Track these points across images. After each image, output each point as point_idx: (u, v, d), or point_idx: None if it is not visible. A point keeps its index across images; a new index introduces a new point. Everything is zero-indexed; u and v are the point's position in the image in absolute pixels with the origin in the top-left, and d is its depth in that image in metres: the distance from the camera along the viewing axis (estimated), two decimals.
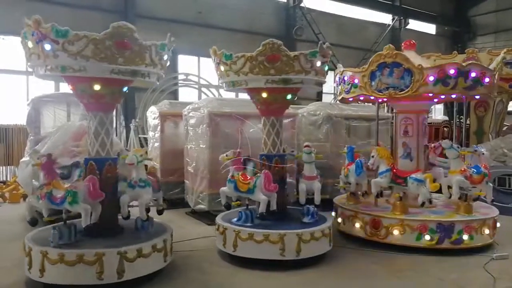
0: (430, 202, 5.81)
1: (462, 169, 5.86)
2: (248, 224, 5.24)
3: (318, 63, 5.17)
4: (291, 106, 7.78)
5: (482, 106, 11.43)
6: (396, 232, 5.67)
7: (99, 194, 4.39)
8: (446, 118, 16.05)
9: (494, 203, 6.34)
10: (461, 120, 13.29)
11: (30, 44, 4.31)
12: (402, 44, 6.76)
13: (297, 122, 8.31)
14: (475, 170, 5.91)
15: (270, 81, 5.08)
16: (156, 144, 8.91)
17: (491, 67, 6.20)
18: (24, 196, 9.01)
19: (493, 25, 27.07)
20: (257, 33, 18.14)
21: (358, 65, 16.30)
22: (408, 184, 5.86)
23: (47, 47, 4.14)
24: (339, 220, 6.46)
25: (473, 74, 5.60)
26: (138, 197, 4.81)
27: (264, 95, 5.44)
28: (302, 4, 20.47)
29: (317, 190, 5.78)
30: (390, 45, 6.06)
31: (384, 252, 5.60)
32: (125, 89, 4.86)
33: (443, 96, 6.19)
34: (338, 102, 8.39)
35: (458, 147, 6.01)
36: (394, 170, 6.09)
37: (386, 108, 12.78)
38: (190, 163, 7.85)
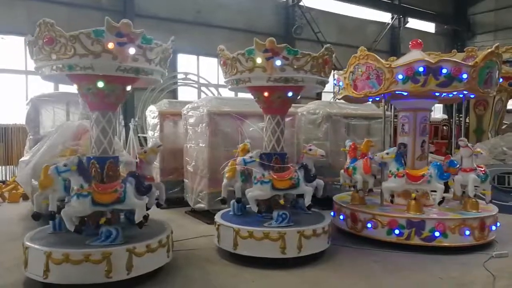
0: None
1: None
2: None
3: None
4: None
5: (481, 105, 11.43)
6: None
7: None
8: (446, 116, 16.04)
9: (494, 201, 6.33)
10: (460, 119, 13.30)
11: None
12: (410, 43, 6.84)
13: (297, 121, 8.30)
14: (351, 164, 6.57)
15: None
16: None
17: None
18: (24, 196, 9.01)
19: (492, 24, 27.09)
20: (257, 32, 18.10)
21: None
22: None
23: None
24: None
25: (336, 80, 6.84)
26: None
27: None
28: (301, 3, 20.46)
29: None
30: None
31: (384, 251, 5.61)
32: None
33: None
34: (337, 100, 8.41)
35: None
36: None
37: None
38: (189, 162, 7.85)
